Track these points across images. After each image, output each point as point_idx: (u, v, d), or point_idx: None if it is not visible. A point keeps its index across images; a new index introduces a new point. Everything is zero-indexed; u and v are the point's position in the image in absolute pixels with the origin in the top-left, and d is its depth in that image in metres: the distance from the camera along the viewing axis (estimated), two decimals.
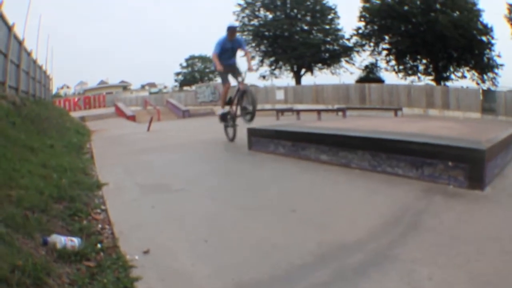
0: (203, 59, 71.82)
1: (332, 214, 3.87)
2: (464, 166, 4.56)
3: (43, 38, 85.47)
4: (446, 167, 4.66)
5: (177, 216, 3.97)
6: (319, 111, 19.52)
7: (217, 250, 3.10)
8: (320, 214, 3.87)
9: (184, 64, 74.48)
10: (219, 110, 9.24)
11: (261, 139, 7.33)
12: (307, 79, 65.27)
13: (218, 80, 31.08)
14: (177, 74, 74.79)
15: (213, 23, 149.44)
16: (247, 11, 43.80)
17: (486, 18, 50.66)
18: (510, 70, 57.84)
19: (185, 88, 66.49)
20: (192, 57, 73.85)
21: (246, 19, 44.01)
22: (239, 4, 43.47)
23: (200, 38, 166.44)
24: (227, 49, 8.42)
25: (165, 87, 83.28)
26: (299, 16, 43.58)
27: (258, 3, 43.55)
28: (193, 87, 49.24)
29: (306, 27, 43.55)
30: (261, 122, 8.97)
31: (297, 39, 42.01)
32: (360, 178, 5.11)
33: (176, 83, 75.17)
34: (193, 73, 72.54)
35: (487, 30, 36.03)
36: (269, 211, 4.04)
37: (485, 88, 34.88)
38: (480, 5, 36.28)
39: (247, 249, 3.14)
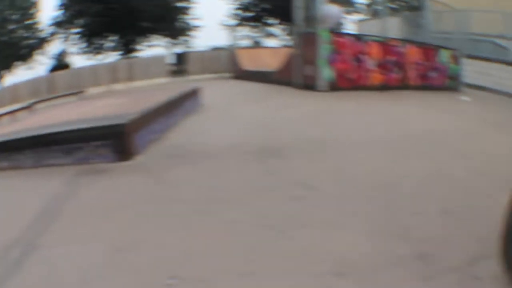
0: None
1: (6, 220, 3.78)
2: (109, 142, 5.01)
3: None
4: (95, 147, 5.03)
5: None
6: (11, 112, 18.38)
7: None
8: None
9: None
10: None
11: None
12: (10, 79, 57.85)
13: None
14: None
15: None
16: None
17: None
18: (214, 28, 61.26)
19: None
20: None
21: None
22: None
23: None
24: None
25: None
26: (9, 16, 38.91)
27: None
28: None
29: (13, 26, 39.20)
30: None
31: (5, 40, 37.63)
32: (28, 177, 5.11)
33: None
34: None
35: None
36: None
37: (178, 52, 36.58)
38: None
39: None
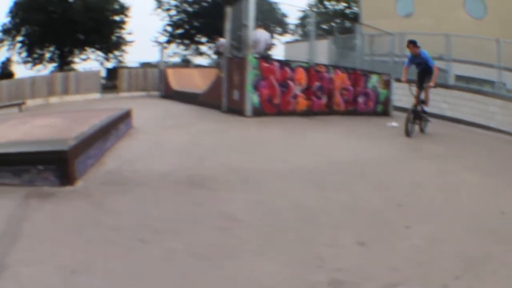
0: None
1: None
2: (53, 167, 5.08)
3: None
4: (39, 171, 5.10)
5: None
6: None
7: None
8: None
9: None
10: None
11: None
12: None
13: None
14: None
15: None
16: None
17: None
18: (145, 44, 59.93)
19: None
20: None
21: None
22: None
23: None
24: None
25: None
26: None
27: None
28: None
29: None
30: None
31: None
32: None
33: None
34: None
35: (122, 9, 38.42)
36: None
37: (110, 66, 37.46)
38: None
39: None
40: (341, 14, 40.32)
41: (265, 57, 12.91)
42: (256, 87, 11.76)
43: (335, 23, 33.41)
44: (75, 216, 4.30)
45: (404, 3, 24.45)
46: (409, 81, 10.99)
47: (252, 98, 11.70)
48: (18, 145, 5.87)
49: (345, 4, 42.84)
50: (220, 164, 6.54)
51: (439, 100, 15.86)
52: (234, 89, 12.42)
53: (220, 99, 13.06)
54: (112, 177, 5.66)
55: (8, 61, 39.41)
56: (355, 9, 35.42)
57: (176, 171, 6.03)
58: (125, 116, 9.35)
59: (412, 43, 10.77)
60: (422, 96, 10.88)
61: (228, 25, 13.16)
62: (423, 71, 10.75)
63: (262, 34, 13.09)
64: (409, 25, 21.86)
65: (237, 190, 5.26)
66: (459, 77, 18.01)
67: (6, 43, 38.05)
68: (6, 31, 37.56)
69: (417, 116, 10.72)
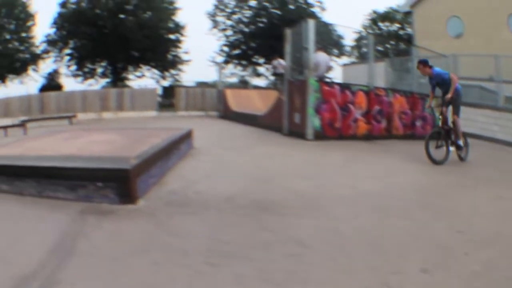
0: None
1: (12, 249, 3.88)
2: (113, 185, 5.03)
3: None
4: (98, 188, 5.07)
5: None
6: (5, 128, 19.07)
7: None
8: (1, 250, 3.84)
9: None
10: None
11: None
12: (2, 91, 57.55)
13: None
14: None
15: None
16: None
17: (184, 15, 55.21)
18: (201, 63, 60.41)
19: None
20: None
21: None
22: None
23: None
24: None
25: None
26: (6, 25, 38.51)
27: None
28: None
29: (8, 36, 38.81)
30: None
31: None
32: (31, 205, 5.18)
33: None
34: None
35: (178, 28, 38.44)
36: None
37: (166, 85, 37.60)
38: (179, 3, 38.66)
39: None
40: (395, 36, 39.93)
41: (326, 80, 13.01)
42: (317, 111, 11.83)
43: (390, 44, 33.06)
44: (138, 236, 4.27)
45: (454, 24, 23.98)
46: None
47: (314, 122, 11.77)
48: (74, 159, 5.89)
49: (398, 25, 42.48)
50: (285, 188, 6.57)
51: (490, 123, 15.43)
52: (295, 112, 12.54)
53: (281, 121, 13.22)
54: (176, 197, 5.70)
55: (55, 73, 40.27)
56: (409, 30, 34.97)
57: (242, 194, 6.07)
58: (186, 136, 9.48)
59: (422, 63, 9.63)
60: (449, 117, 9.60)
61: (288, 47, 13.34)
62: (447, 92, 9.30)
63: (322, 57, 13.18)
64: (460, 45, 21.58)
65: (304, 215, 5.27)
66: (508, 99, 17.48)
67: (52, 54, 38.50)
68: (51, 42, 37.95)
69: (442, 138, 9.38)
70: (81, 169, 5.33)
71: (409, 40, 29.07)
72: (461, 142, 9.66)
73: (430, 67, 9.54)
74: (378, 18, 44.14)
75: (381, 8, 45.17)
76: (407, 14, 29.86)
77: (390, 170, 8.54)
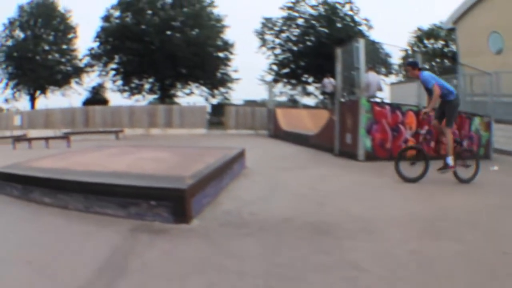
0: None
1: (58, 264, 3.89)
2: (167, 204, 5.05)
3: None
4: (150, 206, 5.09)
5: None
6: (47, 139, 19.40)
7: None
8: (47, 265, 3.85)
9: None
10: None
11: None
12: (42, 102, 60.26)
13: None
14: None
15: None
16: (7, 31, 38.72)
17: (233, 33, 54.42)
18: (250, 81, 60.90)
19: None
20: None
21: (4, 39, 38.89)
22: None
23: None
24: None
25: None
26: (44, 35, 39.86)
27: (18, 23, 38.83)
28: None
29: (47, 47, 40.15)
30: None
31: (38, 60, 38.55)
32: (76, 220, 5.28)
33: None
34: None
35: (226, 46, 39.01)
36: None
37: (215, 103, 38.14)
38: (228, 21, 38.94)
39: None
40: (440, 53, 39.45)
41: (376, 100, 13.19)
42: (368, 131, 12.03)
43: (436, 62, 32.68)
44: (193, 255, 4.21)
45: (494, 40, 23.59)
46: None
47: (365, 142, 11.96)
48: (126, 177, 5.89)
49: (443, 42, 41.94)
50: (340, 210, 6.68)
51: None
52: (346, 132, 12.76)
53: (332, 142, 13.45)
54: (230, 218, 5.70)
55: (100, 87, 41.40)
56: (453, 47, 34.53)
57: (297, 216, 6.14)
58: (239, 156, 9.59)
59: (411, 65, 8.92)
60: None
61: (338, 67, 13.62)
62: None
63: (373, 77, 13.38)
64: (502, 62, 21.36)
65: (359, 238, 5.35)
66: None
67: (96, 68, 39.42)
68: (95, 56, 38.70)
69: (419, 155, 9.06)
70: (134, 187, 5.36)
71: (453, 57, 28.79)
72: (450, 160, 8.90)
73: (419, 69, 8.86)
74: (423, 35, 43.71)
75: (425, 25, 44.86)
76: (451, 30, 29.57)
77: (439, 191, 8.57)
